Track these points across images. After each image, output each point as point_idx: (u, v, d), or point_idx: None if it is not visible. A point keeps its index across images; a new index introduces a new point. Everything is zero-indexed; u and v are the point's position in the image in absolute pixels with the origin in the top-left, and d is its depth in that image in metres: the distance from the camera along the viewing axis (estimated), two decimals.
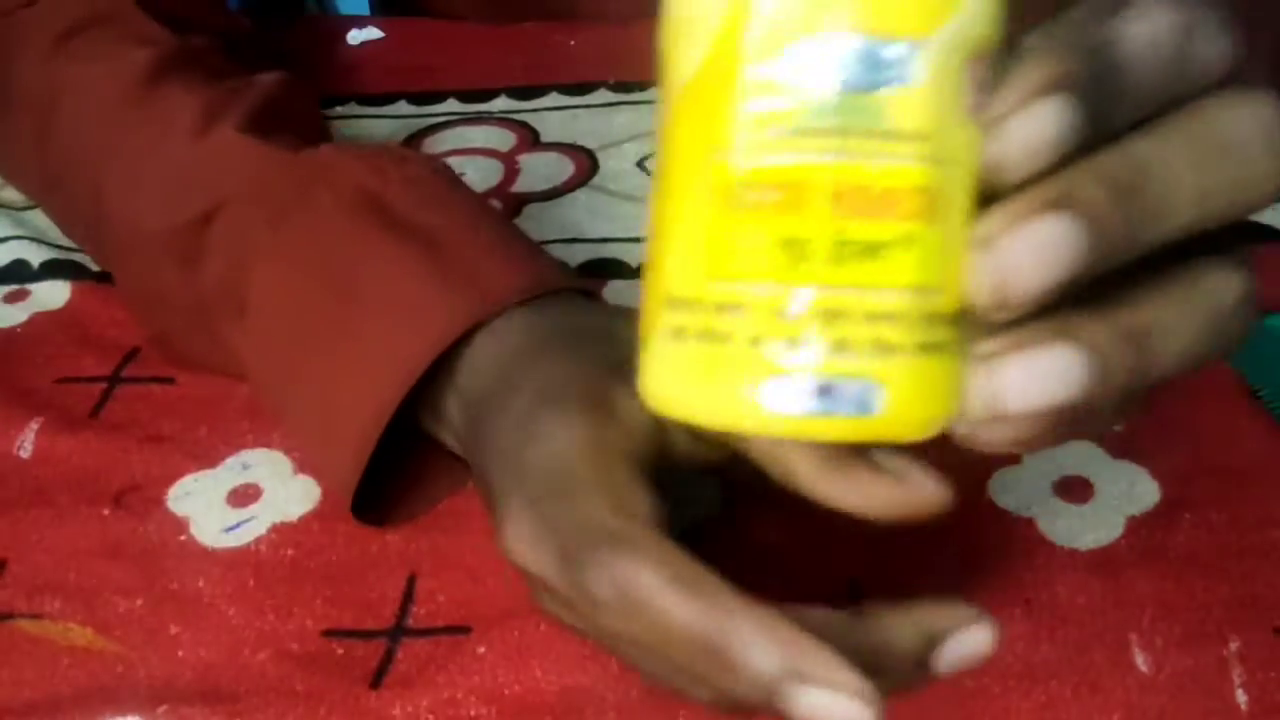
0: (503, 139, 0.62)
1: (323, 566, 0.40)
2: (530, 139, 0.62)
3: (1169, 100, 0.23)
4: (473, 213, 0.43)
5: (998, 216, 0.21)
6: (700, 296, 0.21)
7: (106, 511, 0.42)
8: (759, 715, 0.27)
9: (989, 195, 0.22)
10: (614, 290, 0.50)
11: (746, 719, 0.28)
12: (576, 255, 0.53)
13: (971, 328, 0.22)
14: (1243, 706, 0.33)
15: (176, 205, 0.45)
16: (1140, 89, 0.23)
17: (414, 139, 0.63)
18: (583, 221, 0.55)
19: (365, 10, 0.76)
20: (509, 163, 0.60)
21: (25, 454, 0.45)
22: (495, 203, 0.57)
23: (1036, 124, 0.21)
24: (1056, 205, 0.21)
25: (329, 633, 0.38)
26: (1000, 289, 0.21)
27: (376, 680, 0.36)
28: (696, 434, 0.32)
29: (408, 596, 0.39)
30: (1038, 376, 0.22)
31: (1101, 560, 0.38)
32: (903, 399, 0.21)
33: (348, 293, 0.40)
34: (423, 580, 0.39)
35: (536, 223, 0.55)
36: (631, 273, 0.51)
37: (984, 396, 0.22)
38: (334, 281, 0.40)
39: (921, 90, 0.20)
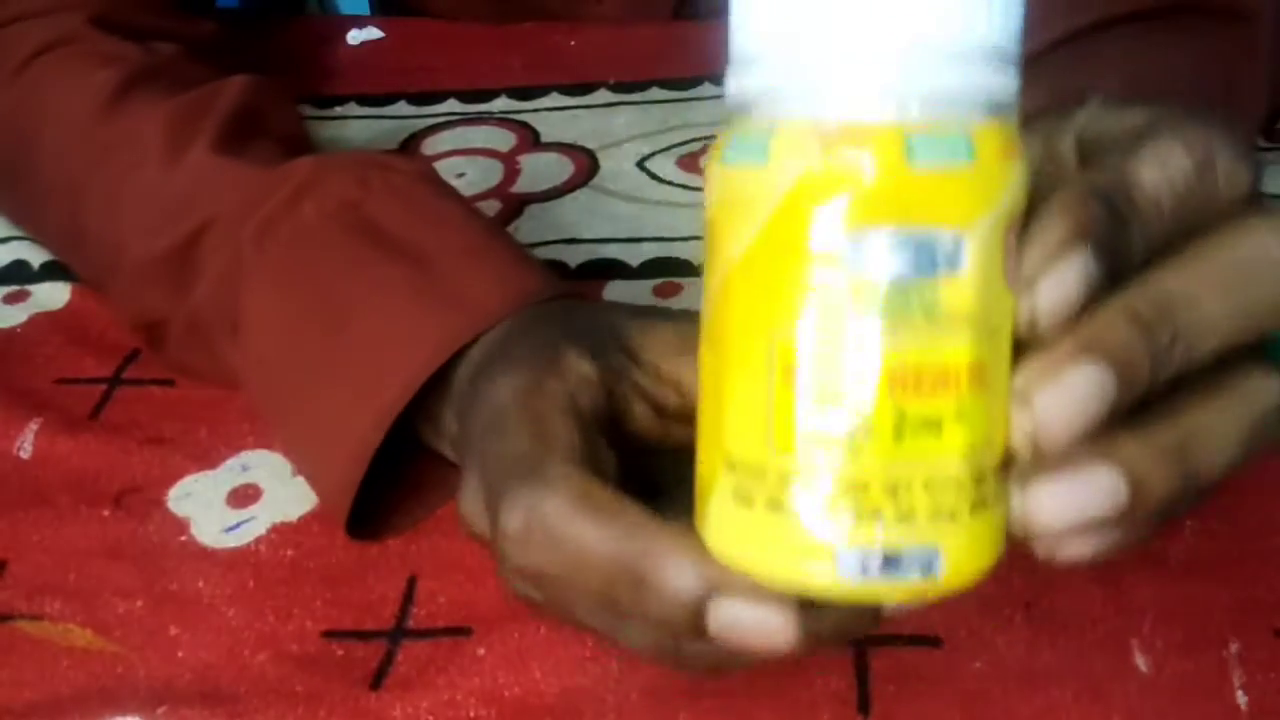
0: (503, 139, 0.62)
1: (323, 567, 0.40)
2: (530, 139, 0.62)
3: (1189, 229, 0.25)
4: (460, 221, 0.43)
5: (1031, 370, 0.23)
6: (764, 465, 0.22)
7: (106, 512, 0.42)
8: (685, 660, 0.27)
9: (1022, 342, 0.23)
10: (614, 290, 0.50)
11: (673, 667, 0.28)
12: (576, 255, 0.53)
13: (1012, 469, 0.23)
14: (1243, 708, 0.33)
15: (159, 233, 0.45)
16: (1158, 226, 0.25)
17: (414, 139, 0.63)
18: (583, 221, 0.55)
19: (365, 10, 0.76)
20: (509, 163, 0.60)
21: (25, 455, 0.45)
22: (495, 203, 0.57)
23: (1060, 283, 0.23)
24: (1084, 353, 0.23)
25: (329, 634, 0.38)
26: (1039, 440, 0.23)
27: (376, 681, 0.36)
28: (659, 409, 0.32)
29: (408, 598, 0.39)
30: (1074, 494, 0.23)
31: (1102, 565, 0.37)
32: (960, 557, 0.22)
33: (337, 312, 0.40)
34: (423, 582, 0.39)
35: (537, 223, 0.55)
36: (632, 273, 0.51)
37: (1019, 517, 0.23)
38: (323, 300, 0.40)
39: (970, 275, 0.21)
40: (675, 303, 0.49)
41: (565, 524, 0.27)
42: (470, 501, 0.31)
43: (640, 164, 0.59)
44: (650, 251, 0.53)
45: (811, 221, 0.21)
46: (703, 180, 0.24)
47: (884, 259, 0.21)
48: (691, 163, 0.59)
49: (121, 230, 0.47)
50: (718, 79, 0.64)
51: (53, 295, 0.53)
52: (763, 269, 0.22)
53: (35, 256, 0.55)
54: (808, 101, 0.22)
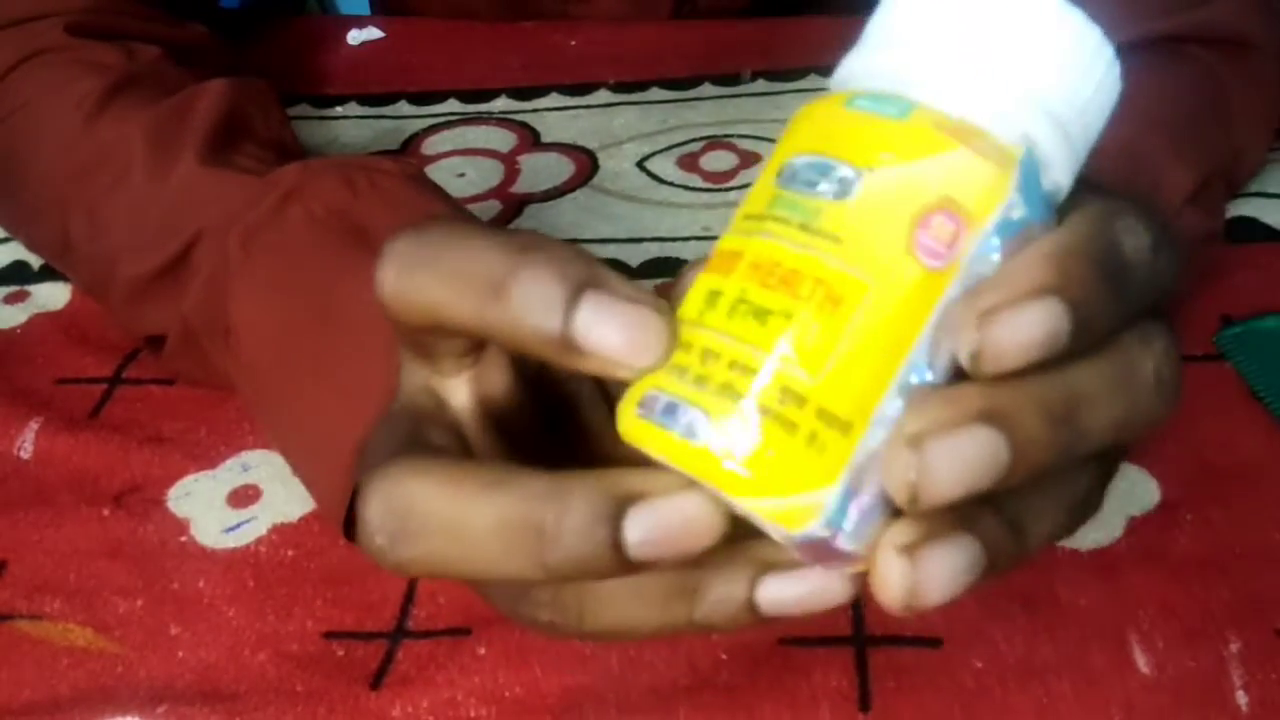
0: (503, 139, 0.62)
1: (323, 567, 0.40)
2: (530, 139, 0.62)
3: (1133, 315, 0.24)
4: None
5: (931, 415, 0.22)
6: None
7: (106, 512, 0.42)
8: (588, 624, 0.26)
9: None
10: None
11: (576, 637, 0.27)
12: None
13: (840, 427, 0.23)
14: (1243, 707, 0.33)
15: (150, 249, 0.45)
16: (1132, 296, 0.24)
17: (414, 139, 0.63)
18: (583, 221, 0.55)
19: (365, 10, 0.76)
20: (509, 163, 0.60)
21: (25, 454, 0.45)
22: (495, 203, 0.57)
23: (1022, 324, 0.22)
24: (990, 419, 0.22)
25: (329, 634, 0.38)
26: (915, 488, 0.22)
27: (376, 681, 0.36)
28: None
29: (408, 598, 0.39)
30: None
31: (1102, 560, 0.38)
32: (728, 441, 0.22)
33: (327, 316, 0.39)
34: (423, 582, 0.39)
35: (536, 223, 0.55)
36: (631, 273, 0.51)
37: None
38: (313, 304, 0.40)
39: (852, 205, 0.23)
40: None
41: (424, 503, 0.24)
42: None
43: (640, 164, 0.59)
44: (650, 251, 0.53)
45: (780, 148, 0.24)
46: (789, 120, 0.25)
47: (789, 174, 0.23)
48: (691, 163, 0.59)
49: (111, 247, 0.47)
50: (718, 79, 0.65)
51: (53, 295, 0.53)
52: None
53: (35, 258, 0.55)
54: (869, 80, 0.24)
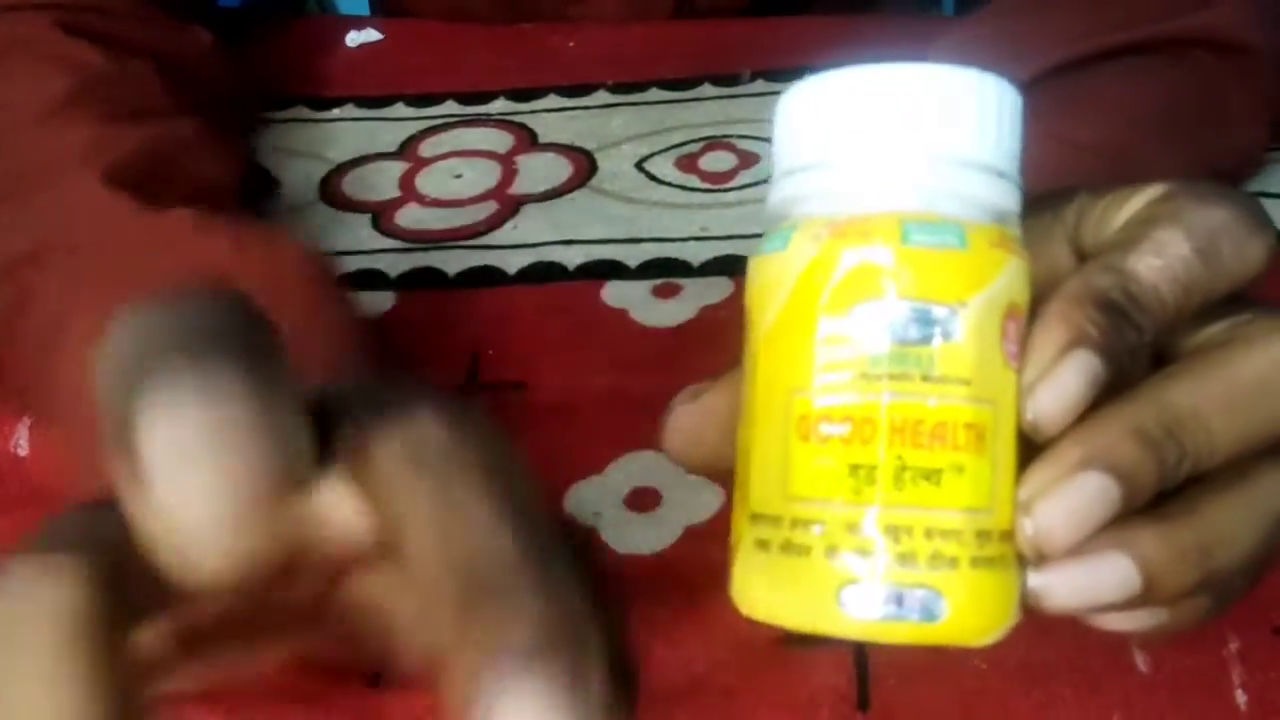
0: (501, 140, 0.62)
1: None
2: (528, 140, 0.62)
3: (1202, 310, 0.26)
4: (327, 322, 0.40)
5: (1035, 479, 0.24)
6: (780, 513, 0.24)
7: None
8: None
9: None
10: (613, 290, 0.50)
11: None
12: (574, 256, 0.53)
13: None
14: (1242, 707, 0.33)
15: (14, 239, 0.43)
16: (1162, 318, 0.25)
17: (412, 140, 0.63)
18: (581, 222, 0.55)
19: (365, 11, 0.76)
20: (507, 164, 0.60)
21: (22, 452, 0.45)
22: (493, 203, 0.57)
23: (1059, 391, 0.24)
24: (1087, 465, 0.24)
25: None
26: (1041, 546, 0.24)
27: (376, 680, 0.36)
28: None
29: None
30: (1086, 583, 0.24)
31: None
32: (962, 607, 0.23)
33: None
34: None
35: (534, 223, 0.55)
36: (629, 273, 0.51)
37: (1032, 593, 0.24)
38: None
39: (963, 345, 0.23)
40: (675, 302, 0.49)
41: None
42: None
43: (638, 165, 0.59)
44: (649, 252, 0.53)
45: (820, 294, 0.24)
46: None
47: (885, 327, 0.23)
48: (690, 164, 0.59)
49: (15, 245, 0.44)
50: (716, 79, 0.65)
51: None
52: (783, 338, 0.24)
53: None
54: (824, 202, 0.25)
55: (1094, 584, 0.24)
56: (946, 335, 0.23)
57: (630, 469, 0.42)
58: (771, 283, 0.25)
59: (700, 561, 0.39)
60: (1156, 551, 0.24)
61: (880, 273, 0.23)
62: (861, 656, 0.35)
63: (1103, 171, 0.33)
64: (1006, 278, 0.24)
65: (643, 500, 0.41)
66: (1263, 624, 0.35)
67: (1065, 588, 0.24)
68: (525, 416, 0.45)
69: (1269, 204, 0.52)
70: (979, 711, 0.34)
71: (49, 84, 0.48)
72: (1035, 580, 0.24)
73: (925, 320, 0.23)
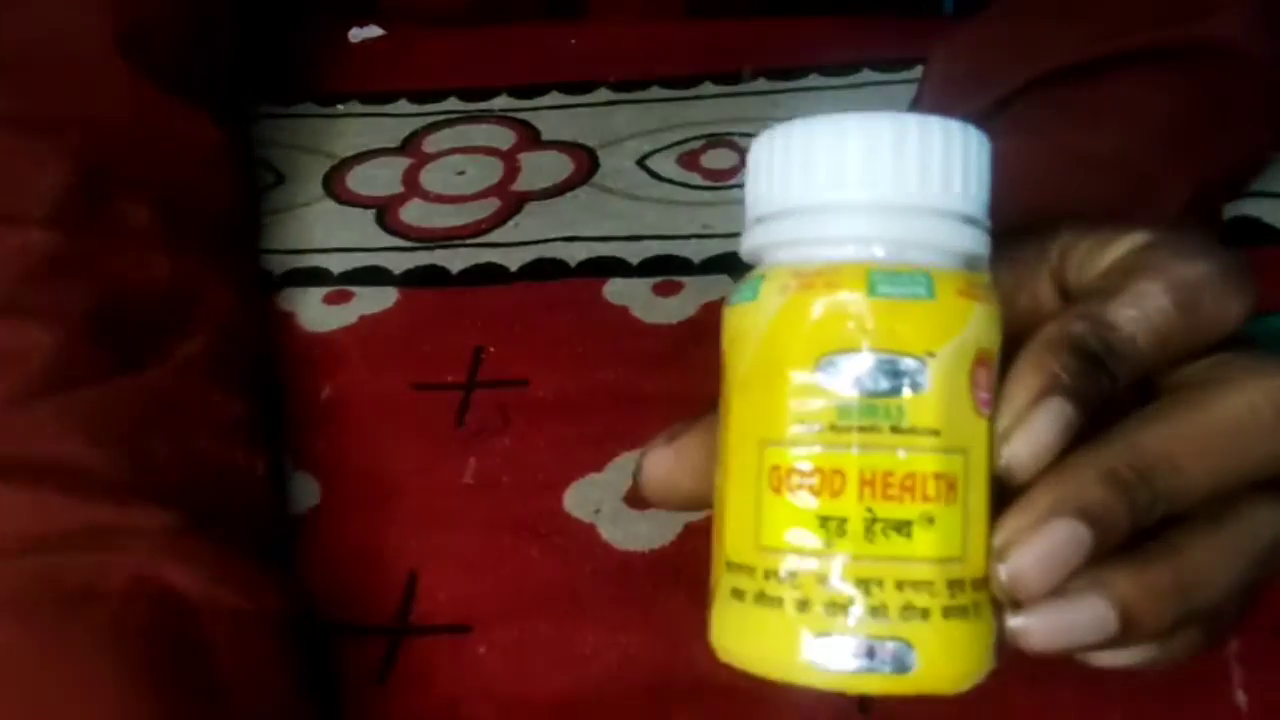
0: (503, 137, 0.62)
1: (323, 564, 0.40)
2: (530, 137, 0.62)
3: (1174, 361, 0.26)
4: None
5: (1008, 527, 0.24)
6: (754, 563, 0.24)
7: None
8: None
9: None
10: (614, 288, 0.50)
11: None
12: (576, 254, 0.53)
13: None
14: (1242, 707, 0.33)
15: None
16: (1137, 367, 0.26)
17: (414, 137, 0.63)
18: (582, 220, 0.55)
19: None
20: (509, 161, 0.60)
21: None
22: (495, 200, 0.57)
23: (1032, 437, 0.24)
24: (1059, 511, 0.24)
25: (329, 631, 0.38)
26: (1016, 592, 0.24)
27: (376, 679, 0.36)
28: None
29: (408, 594, 0.39)
30: (1064, 624, 0.24)
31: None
32: (934, 657, 0.23)
33: None
34: (423, 578, 0.39)
35: (536, 220, 0.55)
36: (631, 271, 0.51)
37: (1010, 635, 0.25)
38: None
39: (932, 395, 0.23)
40: (676, 299, 0.49)
41: None
42: None
43: (640, 162, 0.59)
44: (650, 249, 0.53)
45: (789, 345, 0.24)
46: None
47: (854, 379, 0.23)
48: (692, 161, 0.59)
49: None
50: (718, 78, 0.64)
51: None
52: (754, 388, 0.25)
53: None
54: (792, 251, 0.25)
55: (1071, 625, 0.24)
56: (915, 386, 0.23)
57: (631, 466, 0.42)
58: (743, 333, 0.25)
59: (701, 559, 0.39)
60: (1132, 592, 0.24)
61: (848, 324, 0.24)
62: None
63: (1103, 183, 0.33)
64: (975, 326, 0.24)
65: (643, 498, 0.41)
66: (1263, 625, 0.35)
67: (1043, 629, 0.24)
68: (526, 413, 0.45)
69: (1270, 204, 0.52)
70: (980, 712, 0.34)
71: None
72: (1014, 622, 0.24)
73: (894, 372, 0.23)
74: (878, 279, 0.24)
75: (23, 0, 0.48)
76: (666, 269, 0.51)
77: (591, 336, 0.48)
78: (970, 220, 0.25)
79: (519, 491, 0.42)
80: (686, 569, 0.38)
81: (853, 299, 0.24)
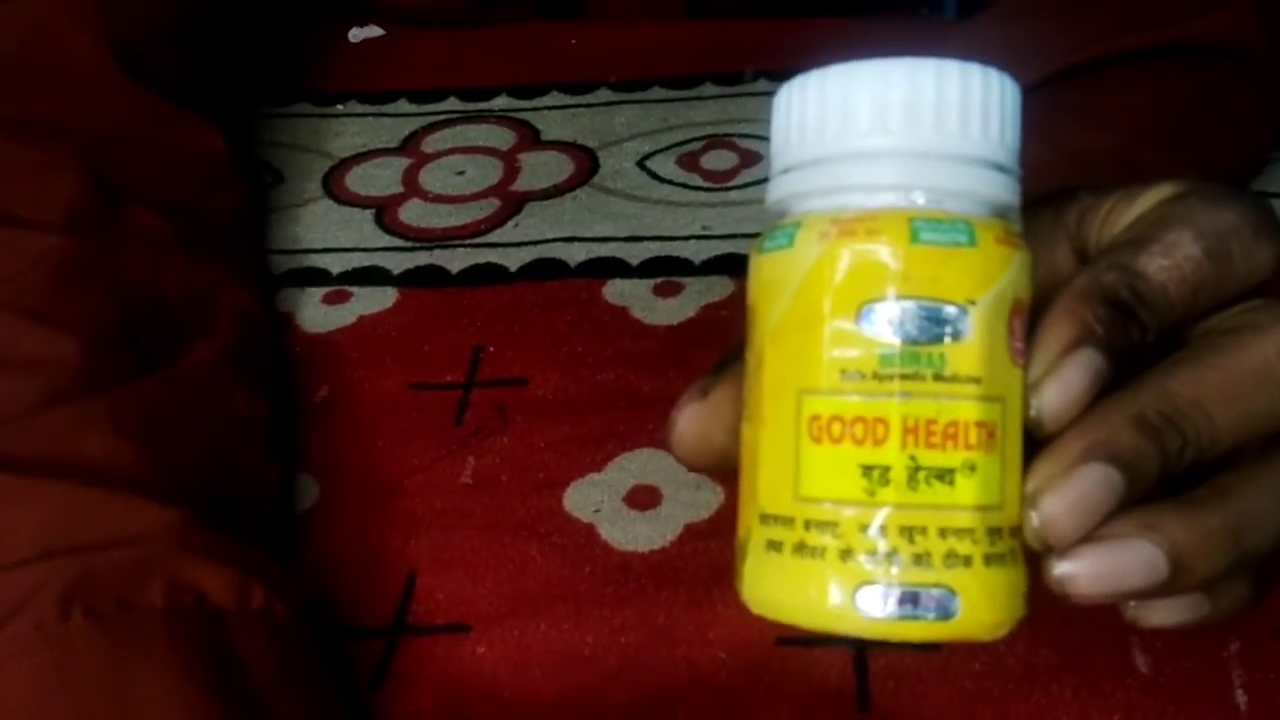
0: (503, 137, 0.62)
1: (321, 564, 0.40)
2: (531, 137, 0.62)
3: (1208, 310, 0.26)
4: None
5: (1040, 473, 0.24)
6: (792, 514, 0.24)
7: None
8: None
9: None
10: (614, 289, 0.50)
11: None
12: (576, 254, 0.53)
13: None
14: (1243, 708, 0.33)
15: None
16: (1167, 316, 0.25)
17: (414, 137, 0.63)
18: (583, 220, 0.55)
19: None
20: (509, 161, 0.60)
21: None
22: (495, 200, 0.57)
23: (1064, 387, 0.24)
24: (1090, 456, 0.24)
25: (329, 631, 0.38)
26: (1048, 538, 0.24)
27: (375, 679, 0.36)
28: None
29: (406, 595, 0.39)
30: (1112, 569, 0.24)
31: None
32: (975, 604, 0.23)
33: None
34: (422, 578, 0.39)
35: (536, 221, 0.55)
36: (631, 271, 0.51)
37: (1055, 583, 0.24)
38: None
39: (973, 343, 0.23)
40: (676, 300, 0.49)
41: None
42: None
43: (641, 163, 0.59)
44: (650, 250, 0.53)
45: (829, 293, 0.24)
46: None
47: (896, 327, 0.23)
48: (692, 162, 0.59)
49: None
50: (719, 78, 0.64)
51: None
52: (791, 337, 0.24)
53: None
54: (829, 198, 0.25)
55: (1119, 570, 0.24)
56: (957, 334, 0.23)
57: (630, 467, 0.42)
58: (776, 281, 0.25)
59: (701, 559, 0.39)
60: (1183, 535, 0.24)
61: (890, 272, 0.23)
62: (861, 657, 0.35)
63: (1111, 181, 0.33)
64: (1013, 274, 0.24)
65: (643, 498, 0.41)
66: (1263, 626, 0.35)
67: (1090, 574, 0.24)
68: (526, 413, 0.45)
69: (1270, 204, 0.52)
70: (979, 713, 0.34)
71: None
72: (1060, 568, 0.24)
73: (936, 320, 0.23)
74: (920, 226, 0.24)
75: (14, 14, 0.48)
76: (666, 270, 0.51)
77: (591, 337, 0.48)
78: (1006, 169, 0.25)
79: (518, 491, 0.42)
80: (686, 569, 0.38)
81: (894, 247, 0.23)
